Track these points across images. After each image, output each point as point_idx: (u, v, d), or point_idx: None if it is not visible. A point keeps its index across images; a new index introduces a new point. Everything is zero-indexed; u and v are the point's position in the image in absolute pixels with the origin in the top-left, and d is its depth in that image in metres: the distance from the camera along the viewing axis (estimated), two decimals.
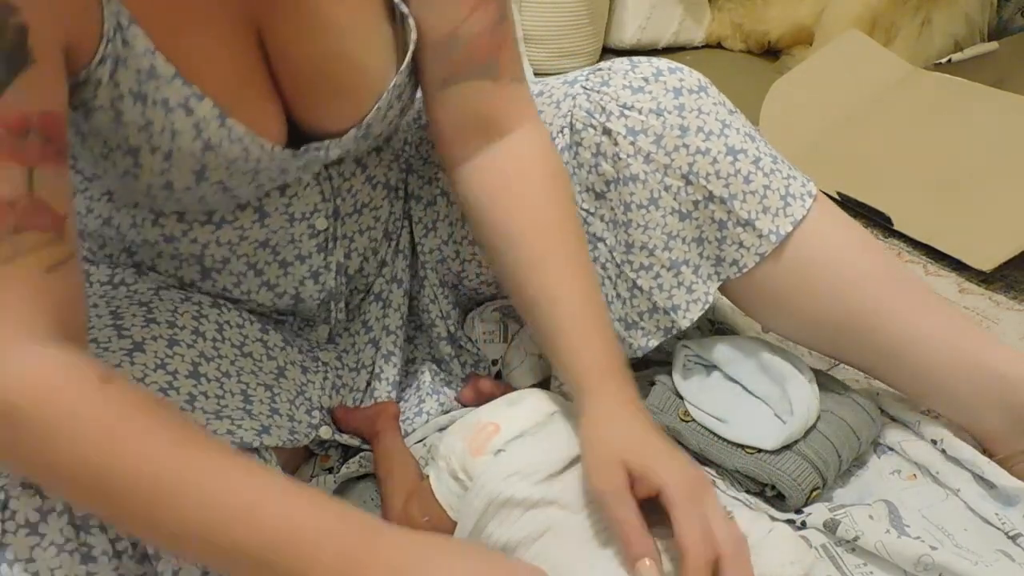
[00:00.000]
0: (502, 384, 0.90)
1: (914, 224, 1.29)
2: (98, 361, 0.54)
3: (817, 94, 1.55)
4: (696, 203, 0.80)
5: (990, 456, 0.83)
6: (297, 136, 0.71)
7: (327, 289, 0.80)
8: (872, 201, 1.33)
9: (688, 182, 0.79)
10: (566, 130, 0.82)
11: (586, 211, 0.82)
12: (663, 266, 0.81)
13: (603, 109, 0.79)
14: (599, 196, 0.81)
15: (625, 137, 0.78)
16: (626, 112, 0.78)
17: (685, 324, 0.82)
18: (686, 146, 0.78)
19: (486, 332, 0.92)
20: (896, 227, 1.30)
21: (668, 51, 2.06)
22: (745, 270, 0.81)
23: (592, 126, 0.79)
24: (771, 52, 2.06)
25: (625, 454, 0.63)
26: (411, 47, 0.71)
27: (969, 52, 1.71)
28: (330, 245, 0.78)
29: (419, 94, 0.77)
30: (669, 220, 0.80)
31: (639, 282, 0.82)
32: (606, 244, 0.82)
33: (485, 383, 0.90)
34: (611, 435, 0.66)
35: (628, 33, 2.03)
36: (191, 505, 0.50)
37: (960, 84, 1.45)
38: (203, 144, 0.63)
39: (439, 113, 0.75)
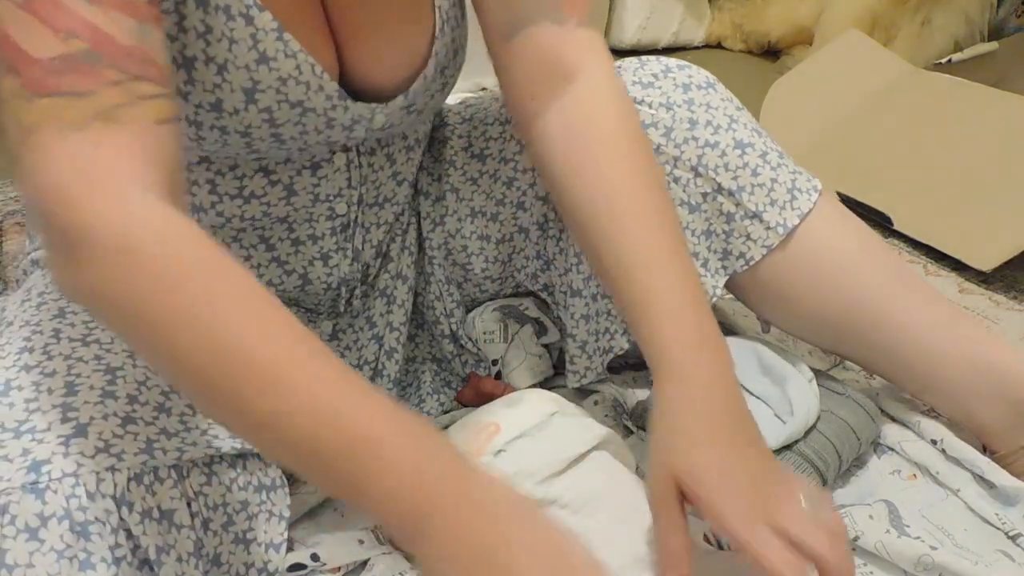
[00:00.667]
0: (502, 384, 0.90)
1: (914, 224, 1.29)
2: None
3: (817, 94, 1.55)
4: (705, 195, 0.80)
5: (990, 453, 0.83)
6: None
7: (337, 275, 0.80)
8: (872, 201, 1.33)
9: (697, 174, 0.79)
10: None
11: None
12: None
13: None
14: None
15: None
16: (636, 106, 0.79)
17: None
18: (695, 139, 0.79)
19: (486, 332, 0.92)
20: (896, 227, 1.30)
21: (668, 51, 2.06)
22: (752, 263, 0.81)
23: None
24: (771, 52, 2.06)
25: (680, 473, 0.58)
26: (440, 27, 0.71)
27: (969, 52, 1.71)
28: (349, 230, 0.79)
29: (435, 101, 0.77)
30: (678, 212, 0.80)
31: None
32: None
33: (485, 383, 0.90)
34: (669, 442, 0.60)
35: (628, 33, 2.03)
36: (283, 391, 0.48)
37: (960, 84, 1.45)
38: (258, 56, 0.63)
39: (507, 71, 0.73)
